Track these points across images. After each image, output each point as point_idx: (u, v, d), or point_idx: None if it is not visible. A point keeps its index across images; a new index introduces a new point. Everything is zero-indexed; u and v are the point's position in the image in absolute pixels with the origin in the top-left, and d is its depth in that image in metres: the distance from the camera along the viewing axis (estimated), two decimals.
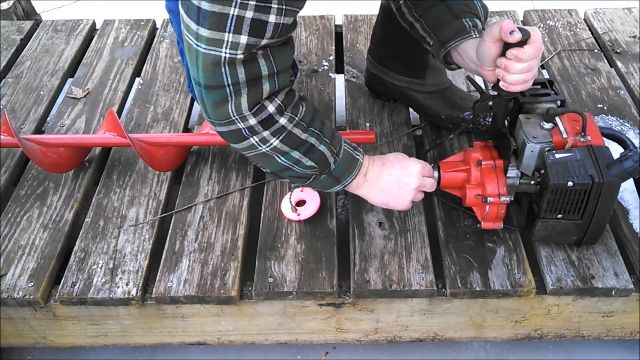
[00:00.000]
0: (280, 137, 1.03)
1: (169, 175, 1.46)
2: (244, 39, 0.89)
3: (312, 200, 1.34)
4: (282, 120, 1.02)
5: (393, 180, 1.16)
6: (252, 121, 0.99)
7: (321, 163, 1.09)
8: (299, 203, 1.34)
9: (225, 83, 0.94)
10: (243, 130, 1.01)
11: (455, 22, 1.16)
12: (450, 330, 1.32)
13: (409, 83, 1.52)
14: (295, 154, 1.06)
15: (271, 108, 1.00)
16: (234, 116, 0.98)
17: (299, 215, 1.31)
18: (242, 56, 0.91)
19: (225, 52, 0.90)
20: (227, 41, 0.89)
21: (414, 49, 1.44)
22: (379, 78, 1.57)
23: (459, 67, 1.22)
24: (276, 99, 1.00)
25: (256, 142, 1.03)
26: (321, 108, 1.62)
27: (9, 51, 1.89)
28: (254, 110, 0.98)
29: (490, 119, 1.44)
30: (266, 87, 0.97)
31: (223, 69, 0.92)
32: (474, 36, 1.14)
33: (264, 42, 0.91)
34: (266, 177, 1.44)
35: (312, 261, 1.25)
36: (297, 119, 1.04)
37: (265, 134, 1.01)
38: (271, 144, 1.03)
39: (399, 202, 1.19)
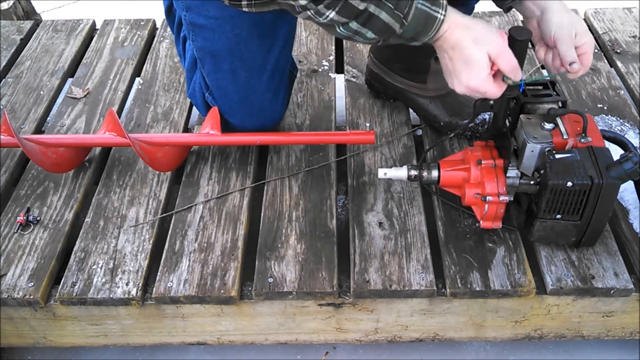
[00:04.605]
0: (336, 9, 0.99)
1: (169, 175, 1.46)
2: None
3: None
4: None
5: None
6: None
7: (384, 32, 1.03)
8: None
9: None
10: (295, 7, 1.02)
11: None
12: (450, 330, 1.32)
13: (410, 86, 1.52)
14: (354, 25, 1.02)
15: None
16: None
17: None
18: None
19: None
20: None
21: (417, 53, 1.43)
22: (380, 77, 1.56)
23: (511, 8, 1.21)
24: None
25: (312, 14, 1.02)
26: (321, 108, 1.62)
27: (9, 51, 1.90)
28: None
29: (487, 126, 1.44)
30: None
31: None
32: None
33: None
34: (266, 177, 1.44)
35: (312, 261, 1.25)
36: None
37: (320, 7, 0.99)
38: (327, 16, 1.01)
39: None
